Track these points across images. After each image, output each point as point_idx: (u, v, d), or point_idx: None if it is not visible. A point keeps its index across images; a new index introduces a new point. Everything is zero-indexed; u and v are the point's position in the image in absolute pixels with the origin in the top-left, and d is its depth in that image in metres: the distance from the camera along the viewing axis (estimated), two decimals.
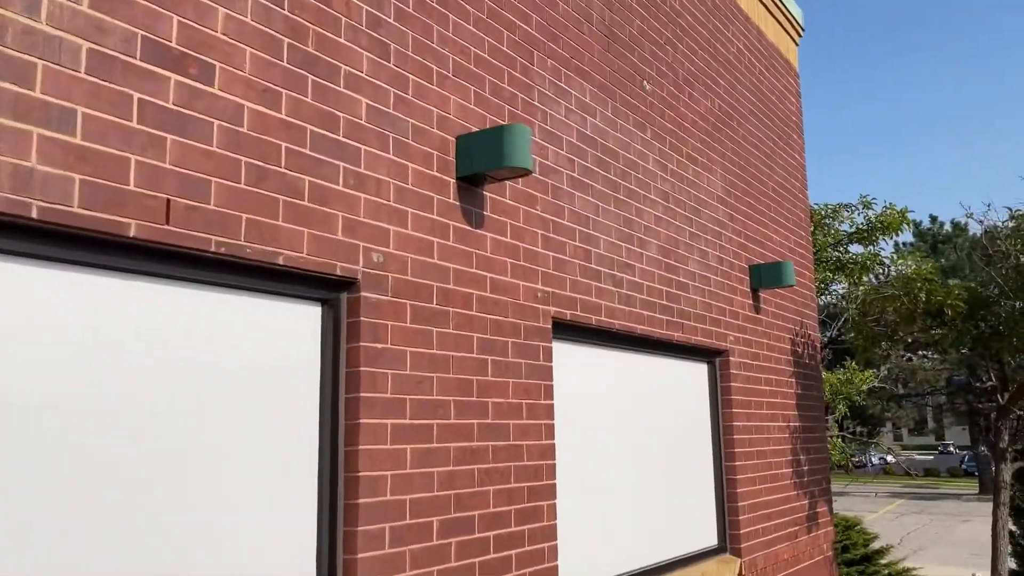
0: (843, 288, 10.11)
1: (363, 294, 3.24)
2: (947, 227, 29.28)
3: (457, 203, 3.81)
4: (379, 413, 3.23)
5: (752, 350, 6.82)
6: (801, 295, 8.09)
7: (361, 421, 3.16)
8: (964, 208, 7.49)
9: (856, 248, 9.93)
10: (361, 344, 3.20)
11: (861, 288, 8.10)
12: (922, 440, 72.62)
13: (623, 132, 5.37)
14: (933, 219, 30.16)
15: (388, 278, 3.37)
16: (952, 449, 61.91)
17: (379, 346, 3.27)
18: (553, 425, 4.28)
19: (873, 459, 53.09)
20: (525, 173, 3.79)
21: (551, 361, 4.34)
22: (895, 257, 7.27)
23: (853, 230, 10.02)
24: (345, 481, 3.14)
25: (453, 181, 3.81)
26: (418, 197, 3.59)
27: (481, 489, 3.73)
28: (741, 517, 6.20)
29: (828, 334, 20.00)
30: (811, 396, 7.99)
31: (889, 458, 54.29)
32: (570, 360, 4.72)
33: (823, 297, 10.38)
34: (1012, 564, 7.63)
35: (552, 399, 4.31)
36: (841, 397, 10.67)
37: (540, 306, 4.32)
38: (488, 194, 4.03)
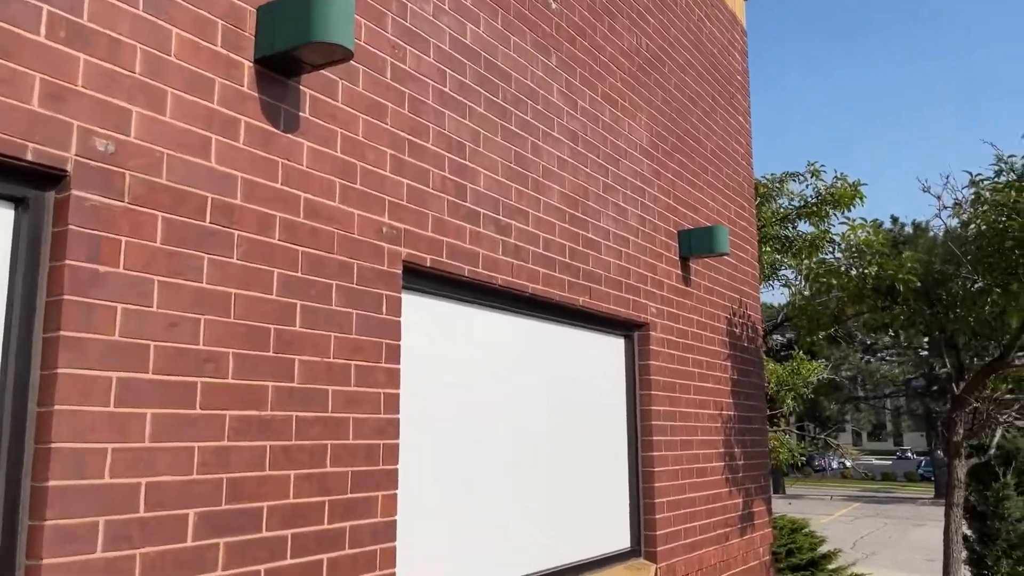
0: (792, 273, 9.38)
1: (75, 192, 2.30)
2: (908, 228, 28.91)
3: (255, 94, 2.88)
4: (95, 362, 2.29)
5: (679, 326, 5.97)
6: (741, 271, 7.27)
7: (60, 371, 2.22)
8: (921, 183, 6.80)
9: (807, 228, 9.17)
10: (68, 263, 2.26)
11: (806, 263, 7.31)
12: (880, 445, 73.01)
13: (518, 52, 4.48)
14: (894, 220, 29.77)
15: (124, 176, 2.43)
16: (910, 454, 62.17)
17: (100, 268, 2.33)
18: (397, 396, 3.37)
19: (833, 463, 53.02)
20: (345, 55, 2.87)
21: (399, 315, 3.43)
22: (847, 233, 6.43)
23: (801, 204, 9.20)
24: (34, 455, 2.20)
25: (249, 64, 2.88)
26: (187, 75, 2.65)
27: (276, 473, 2.81)
28: (658, 516, 5.34)
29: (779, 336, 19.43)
30: (751, 384, 7.17)
31: (847, 462, 54.32)
32: (432, 318, 3.82)
33: (771, 286, 9.58)
34: (966, 572, 6.87)
35: (398, 363, 3.40)
36: (787, 389, 9.91)
37: (386, 245, 3.40)
38: (308, 90, 3.10)
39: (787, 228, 8.71)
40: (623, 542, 5.26)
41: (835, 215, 8.99)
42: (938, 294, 6.28)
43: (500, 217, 4.15)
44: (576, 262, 4.76)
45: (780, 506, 31.53)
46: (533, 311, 4.52)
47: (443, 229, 3.74)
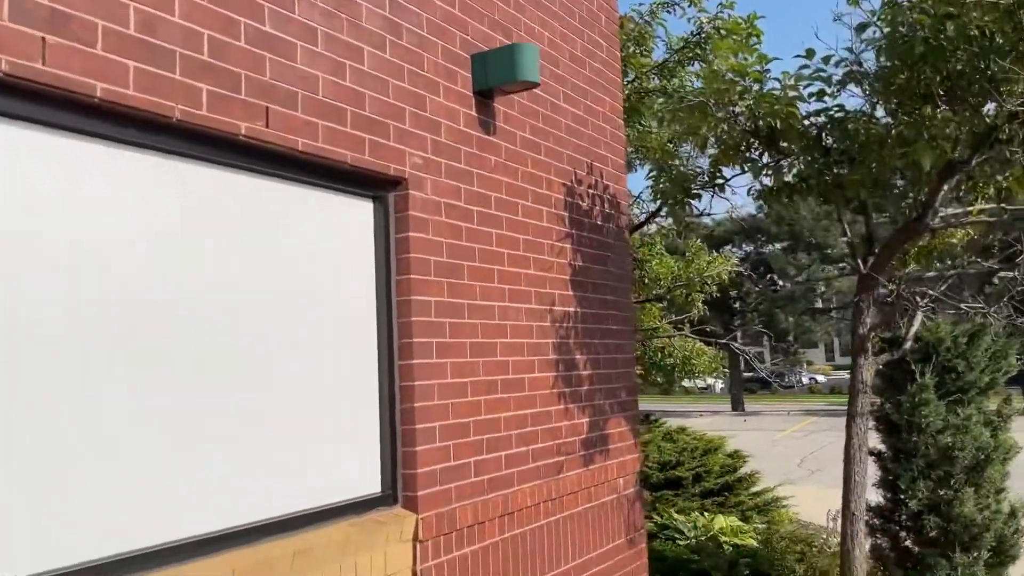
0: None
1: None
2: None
3: None
4: None
5: (474, 189, 4.32)
6: (595, 127, 5.60)
7: None
8: (833, 13, 5.30)
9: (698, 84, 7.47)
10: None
11: (657, 104, 5.54)
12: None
13: None
14: (809, 53, 27.79)
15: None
16: None
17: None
18: None
19: (803, 379, 52.60)
20: None
21: None
22: (716, 59, 4.69)
23: (680, 47, 7.39)
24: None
25: None
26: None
27: None
28: (423, 447, 3.78)
29: None
30: (606, 274, 5.59)
31: (820, 378, 53.83)
32: None
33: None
34: (876, 496, 5.45)
35: None
36: (679, 286, 8.34)
37: None
38: None
39: (668, 80, 6.99)
40: (371, 486, 3.71)
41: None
42: (836, 138, 4.68)
43: None
44: (237, 66, 3.06)
45: (735, 423, 30.72)
46: (145, 140, 2.82)
47: None
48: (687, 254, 8.69)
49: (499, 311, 4.42)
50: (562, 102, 5.25)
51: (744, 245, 36.99)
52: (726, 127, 4.61)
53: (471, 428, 4.12)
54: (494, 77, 4.28)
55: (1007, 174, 4.77)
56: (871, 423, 5.63)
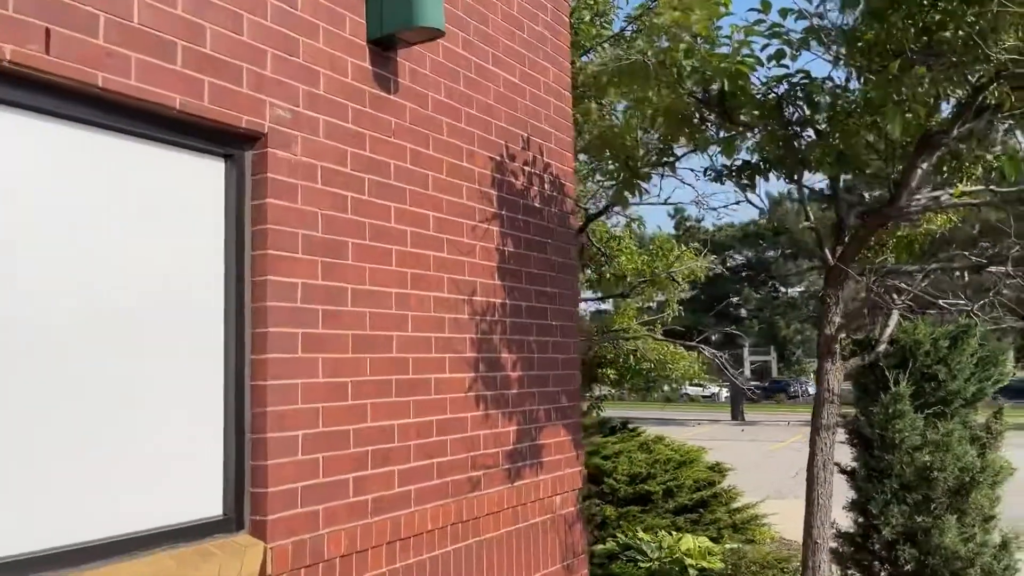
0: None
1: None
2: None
3: None
4: None
5: (366, 154, 3.66)
6: (533, 97, 4.95)
7: None
8: None
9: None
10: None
11: (591, 66, 4.79)
12: None
13: None
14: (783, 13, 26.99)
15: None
16: None
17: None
18: None
19: (810, 388, 51.65)
20: None
21: None
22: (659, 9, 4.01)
23: (640, 13, 6.65)
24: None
25: None
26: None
27: None
28: (276, 461, 3.11)
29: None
30: (545, 263, 4.93)
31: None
32: None
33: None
34: (844, 519, 4.77)
35: None
36: (642, 282, 7.63)
37: None
38: None
39: (625, 48, 6.28)
40: (209, 507, 3.05)
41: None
42: (799, 106, 4.02)
43: None
44: None
45: (732, 433, 29.88)
46: None
47: None
48: (651, 247, 7.98)
49: (397, 299, 3.76)
50: (491, 65, 4.59)
51: (745, 251, 36.32)
52: (670, 92, 3.94)
53: (351, 438, 3.45)
54: (390, 22, 3.63)
55: (997, 153, 4.11)
56: (844, 436, 4.96)
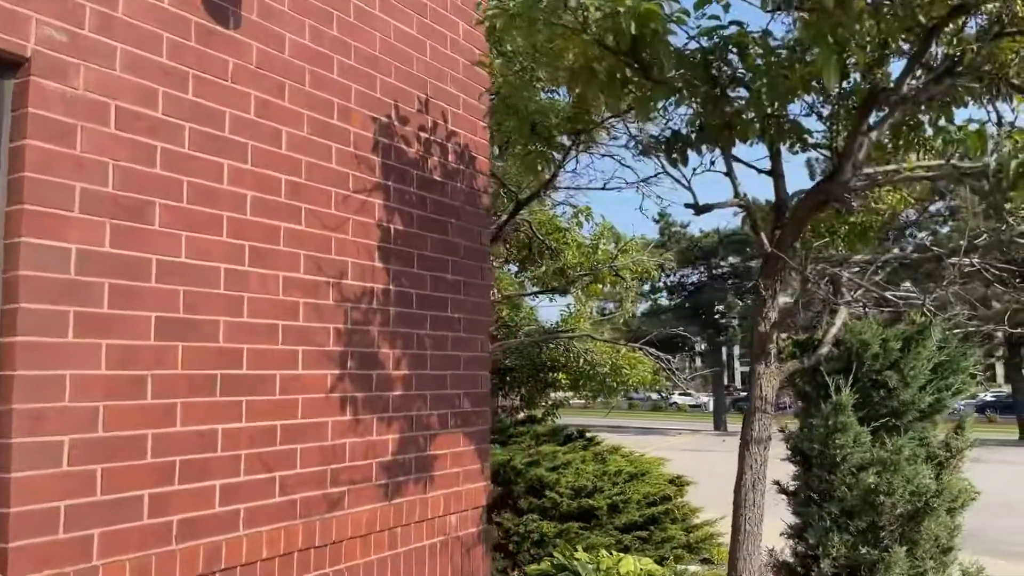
0: None
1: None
2: None
3: None
4: None
5: (189, 98, 2.99)
6: (439, 53, 4.28)
7: None
8: None
9: None
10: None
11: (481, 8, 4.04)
12: None
13: None
14: None
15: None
16: None
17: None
18: None
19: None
20: None
21: None
22: None
23: None
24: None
25: None
26: None
27: None
28: (25, 474, 2.42)
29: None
30: (448, 246, 4.28)
31: None
32: None
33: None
34: (784, 549, 4.11)
35: None
36: (580, 276, 6.92)
37: None
38: None
39: None
40: None
41: None
42: (728, 61, 3.38)
43: None
44: None
45: (713, 443, 29.19)
46: None
47: None
48: (588, 236, 7.27)
49: (229, 277, 3.10)
50: (378, 10, 3.93)
51: (731, 257, 35.81)
52: (576, 42, 3.30)
53: (149, 445, 2.78)
54: None
55: (959, 127, 3.46)
56: (786, 453, 4.32)
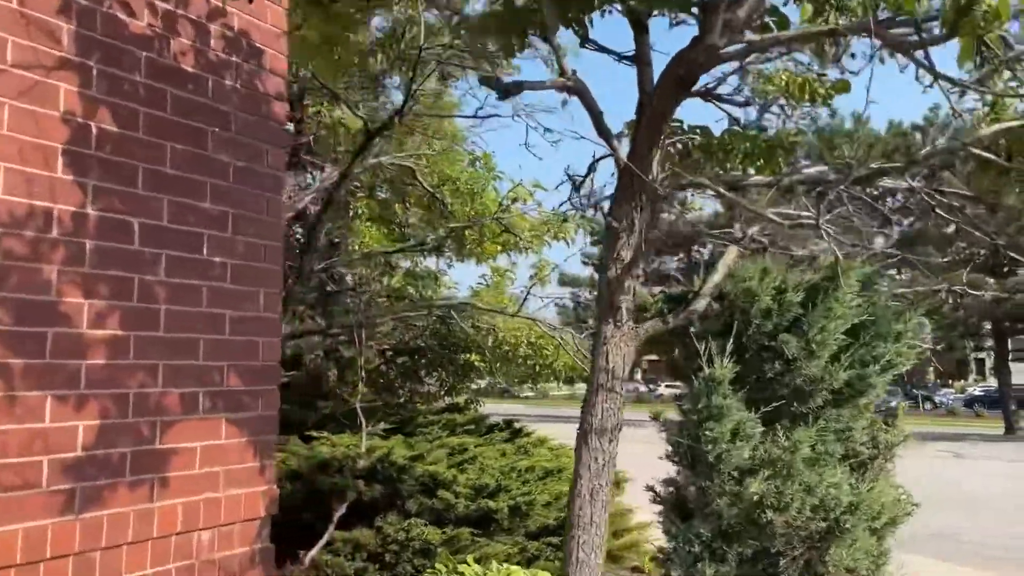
0: None
1: None
2: None
3: None
4: None
5: None
6: None
7: None
8: None
9: None
10: None
11: None
12: None
13: None
14: None
15: None
16: None
17: None
18: None
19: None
20: None
21: None
22: None
23: None
24: None
25: None
26: None
27: None
28: None
29: None
30: (207, 164, 3.12)
31: None
32: None
33: None
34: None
35: None
36: (458, 228, 5.68)
37: None
38: None
39: None
40: None
41: None
42: None
43: None
44: None
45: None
46: None
47: None
48: (458, 180, 5.95)
49: None
50: None
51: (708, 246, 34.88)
52: None
53: None
54: None
55: None
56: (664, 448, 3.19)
